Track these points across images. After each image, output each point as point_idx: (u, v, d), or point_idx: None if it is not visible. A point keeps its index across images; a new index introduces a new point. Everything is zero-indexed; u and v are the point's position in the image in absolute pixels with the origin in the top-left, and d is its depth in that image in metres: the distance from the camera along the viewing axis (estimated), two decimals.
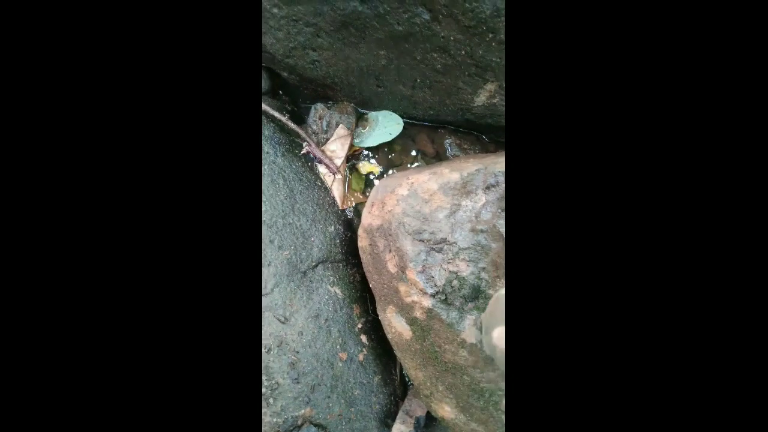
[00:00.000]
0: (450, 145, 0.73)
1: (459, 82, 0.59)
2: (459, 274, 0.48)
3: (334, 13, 0.54)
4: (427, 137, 0.76)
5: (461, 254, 0.48)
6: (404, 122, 0.71)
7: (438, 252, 0.49)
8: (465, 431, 0.54)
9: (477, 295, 0.47)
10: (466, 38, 0.51)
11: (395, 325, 0.55)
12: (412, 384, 0.63)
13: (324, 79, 0.66)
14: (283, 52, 0.62)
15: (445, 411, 0.53)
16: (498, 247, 0.46)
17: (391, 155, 0.74)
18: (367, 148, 0.72)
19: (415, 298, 0.50)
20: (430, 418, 0.64)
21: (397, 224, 0.51)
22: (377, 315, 0.59)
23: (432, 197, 0.51)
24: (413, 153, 0.74)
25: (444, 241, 0.49)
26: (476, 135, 0.75)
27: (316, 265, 0.61)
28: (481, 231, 0.48)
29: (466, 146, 0.73)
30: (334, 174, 0.68)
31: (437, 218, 0.50)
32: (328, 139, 0.69)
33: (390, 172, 0.73)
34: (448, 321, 0.48)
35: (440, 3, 0.48)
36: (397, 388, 0.65)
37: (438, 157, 0.75)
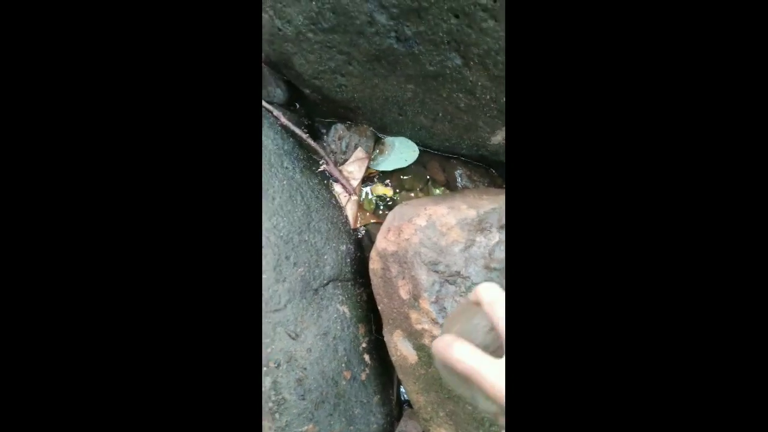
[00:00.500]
0: (460, 176, 0.76)
1: (479, 121, 0.62)
2: None
3: (369, 47, 0.56)
4: (439, 165, 0.79)
5: (473, 288, 0.51)
6: (420, 150, 0.74)
7: (451, 284, 0.52)
8: None
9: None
10: (494, 85, 0.54)
11: (401, 348, 0.57)
12: (410, 406, 0.65)
13: (347, 103, 0.68)
14: (312, 73, 0.65)
15: None
16: None
17: (403, 179, 0.77)
18: (382, 172, 0.75)
19: (426, 326, 0.52)
20: None
21: (414, 253, 0.54)
22: (381, 336, 0.61)
23: (449, 231, 0.54)
24: (426, 179, 0.77)
25: (458, 274, 0.52)
26: (485, 168, 0.79)
27: (327, 283, 0.62)
28: (494, 269, 0.51)
29: (475, 178, 0.77)
30: (350, 194, 0.70)
31: (453, 252, 0.53)
32: (346, 160, 0.71)
33: (399, 195, 0.76)
34: None
35: (473, 52, 0.51)
36: (394, 408, 0.67)
37: (448, 185, 0.78)
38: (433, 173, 0.79)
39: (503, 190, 0.68)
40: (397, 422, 0.66)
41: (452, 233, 0.54)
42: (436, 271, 0.52)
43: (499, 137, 0.64)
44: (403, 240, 0.55)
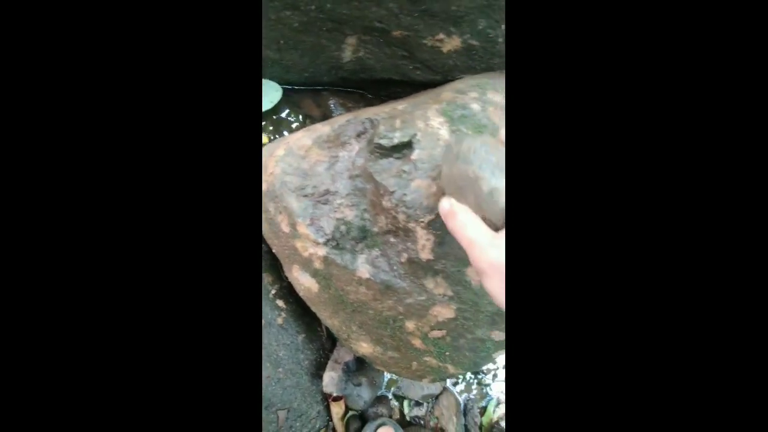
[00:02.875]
0: (334, 105, 0.75)
1: (321, 39, 0.60)
2: (345, 219, 0.51)
3: None
4: (312, 101, 0.77)
5: (345, 201, 0.51)
6: (283, 89, 0.71)
7: (324, 204, 0.52)
8: (385, 361, 0.59)
9: (365, 235, 0.51)
10: None
11: (302, 281, 0.57)
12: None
13: None
14: None
15: (364, 348, 0.58)
16: (371, 187, 0.49)
17: (277, 120, 0.74)
18: None
19: (311, 250, 0.52)
20: (360, 361, 0.69)
21: (281, 184, 0.53)
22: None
23: (308, 153, 0.53)
24: (303, 118, 0.75)
25: (327, 192, 0.52)
26: (360, 93, 0.77)
27: None
28: (357, 176, 0.51)
29: (350, 104, 0.76)
30: None
31: (318, 172, 0.52)
32: None
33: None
34: (344, 264, 0.51)
35: None
36: (325, 342, 0.69)
37: (326, 119, 0.76)
38: (308, 110, 0.77)
39: (368, 107, 0.68)
40: (331, 353, 0.68)
41: (312, 154, 0.53)
42: (305, 195, 0.52)
43: (348, 53, 0.63)
44: (269, 176, 0.54)
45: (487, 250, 0.30)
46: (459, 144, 0.36)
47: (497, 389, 0.79)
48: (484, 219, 0.33)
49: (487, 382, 0.79)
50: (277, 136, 0.74)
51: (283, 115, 0.74)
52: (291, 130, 0.75)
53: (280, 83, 0.70)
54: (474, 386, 0.79)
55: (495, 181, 0.33)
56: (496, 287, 0.29)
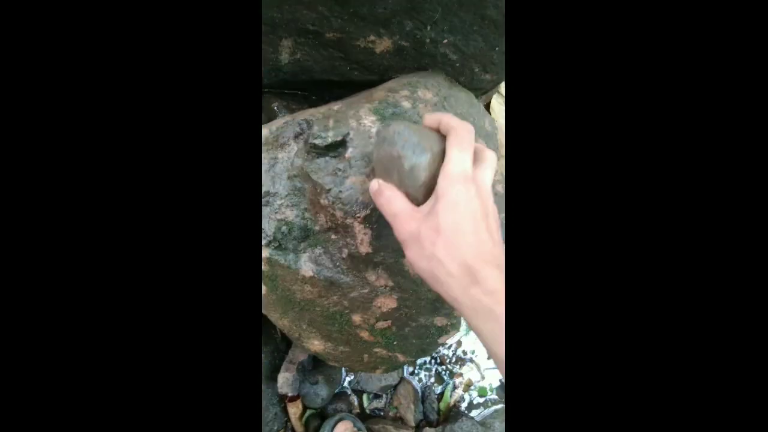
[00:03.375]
0: (278, 108, 0.75)
1: None
2: (286, 219, 0.52)
3: None
4: None
5: (285, 202, 0.52)
6: None
7: (264, 206, 0.52)
8: (337, 356, 0.60)
9: (307, 234, 0.52)
10: None
11: None
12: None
13: None
14: None
15: (315, 345, 0.59)
16: (310, 186, 0.50)
17: None
18: None
19: None
20: (317, 359, 0.70)
21: None
22: None
23: None
24: None
25: (268, 194, 0.52)
26: (302, 95, 0.78)
27: None
28: (296, 176, 0.52)
29: (294, 106, 0.76)
30: None
31: None
32: None
33: None
34: (287, 264, 0.52)
35: None
36: (280, 344, 0.69)
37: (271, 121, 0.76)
38: None
39: (310, 107, 0.68)
40: (286, 354, 0.68)
41: None
42: None
43: (285, 55, 0.63)
44: None
45: (407, 221, 0.33)
46: (386, 129, 0.39)
47: (464, 371, 0.83)
48: (408, 195, 0.36)
49: (450, 362, 0.82)
50: None
51: None
52: None
53: None
54: (436, 370, 0.82)
55: (415, 159, 0.35)
56: (414, 255, 0.32)
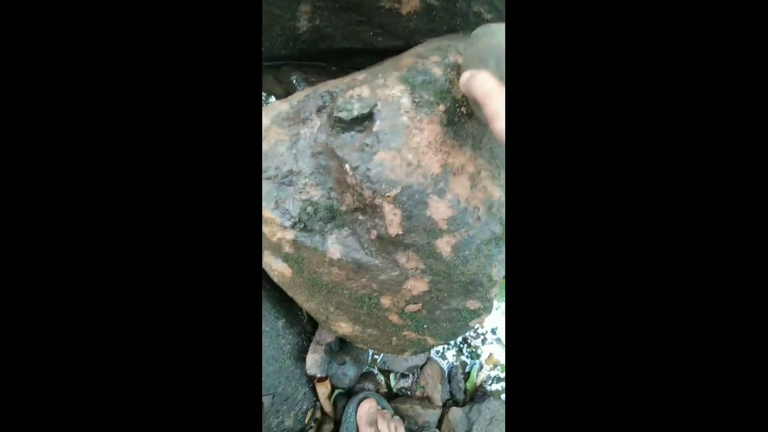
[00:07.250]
0: (297, 81, 0.71)
1: (273, 7, 0.56)
2: (311, 199, 0.49)
3: None
4: (273, 78, 0.73)
5: (309, 181, 0.49)
6: None
7: (288, 185, 0.50)
8: (365, 339, 0.59)
9: (333, 215, 0.49)
10: None
11: (275, 267, 0.56)
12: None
13: None
14: None
15: (343, 328, 0.58)
16: (335, 164, 0.47)
17: None
18: None
19: (279, 234, 0.51)
20: (343, 340, 0.69)
21: None
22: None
23: (267, 132, 0.50)
24: (263, 96, 0.71)
25: (291, 172, 0.50)
26: (323, 66, 0.74)
27: None
28: (320, 153, 0.49)
29: (313, 79, 0.72)
30: None
31: (279, 152, 0.50)
32: None
33: None
34: (314, 246, 0.50)
35: None
36: (306, 325, 0.68)
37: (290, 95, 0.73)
38: (269, 87, 0.73)
39: (330, 78, 0.64)
40: (313, 335, 0.68)
41: (271, 134, 0.50)
42: (268, 178, 0.50)
43: (304, 21, 0.59)
44: None
45: (498, 97, 0.34)
46: (487, 26, 0.41)
47: (487, 351, 0.81)
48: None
49: (476, 345, 0.81)
50: None
51: None
52: None
53: None
54: (464, 351, 0.80)
55: None
56: (500, 128, 0.33)
